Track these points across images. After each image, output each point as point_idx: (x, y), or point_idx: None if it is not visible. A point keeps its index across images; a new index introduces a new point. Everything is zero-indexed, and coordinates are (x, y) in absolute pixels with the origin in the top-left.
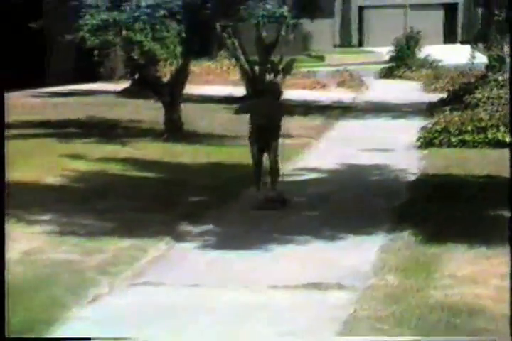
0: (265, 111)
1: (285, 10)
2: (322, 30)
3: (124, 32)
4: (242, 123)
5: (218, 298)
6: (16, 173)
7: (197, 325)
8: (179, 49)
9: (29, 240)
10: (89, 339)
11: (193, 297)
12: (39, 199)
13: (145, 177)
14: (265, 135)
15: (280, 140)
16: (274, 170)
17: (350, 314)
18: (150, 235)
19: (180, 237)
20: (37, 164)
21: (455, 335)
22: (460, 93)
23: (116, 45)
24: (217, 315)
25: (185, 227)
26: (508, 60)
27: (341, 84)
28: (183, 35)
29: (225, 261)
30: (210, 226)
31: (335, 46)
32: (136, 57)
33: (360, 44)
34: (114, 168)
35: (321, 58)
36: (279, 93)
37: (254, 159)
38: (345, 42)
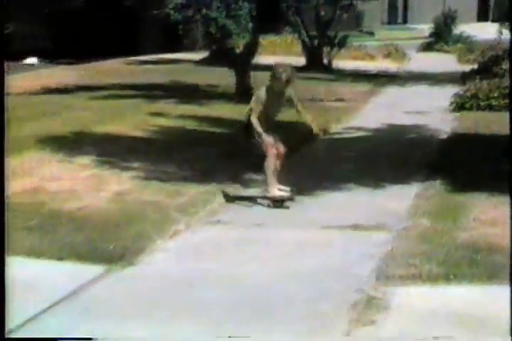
0: (274, 100)
1: None
2: (372, 9)
3: (203, 10)
4: (301, 88)
5: (278, 235)
6: (108, 127)
7: (261, 256)
8: (250, 25)
9: (120, 183)
10: (91, 339)
11: (257, 234)
12: (128, 149)
13: (218, 132)
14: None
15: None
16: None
17: (387, 251)
18: (221, 181)
19: (246, 184)
20: (126, 120)
21: (477, 269)
22: (489, 64)
23: (196, 21)
24: (277, 248)
25: (250, 175)
26: None
27: (387, 56)
28: (254, 13)
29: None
30: None
31: (383, 23)
32: (213, 31)
33: (405, 21)
34: (192, 125)
35: (371, 34)
36: (290, 82)
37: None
38: (392, 20)
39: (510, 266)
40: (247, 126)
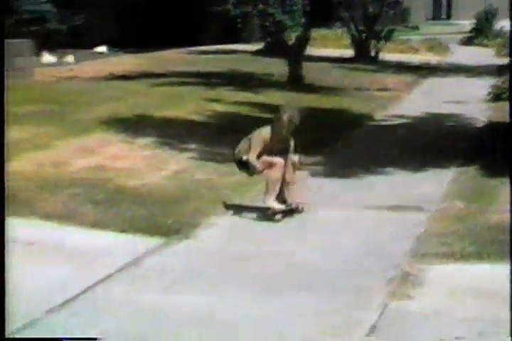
0: (276, 141)
1: None
2: (417, 6)
3: (260, 6)
4: (349, 78)
5: (322, 214)
6: (168, 111)
7: (305, 234)
8: (303, 20)
9: (178, 163)
10: (95, 339)
11: (304, 212)
12: (186, 132)
13: (271, 117)
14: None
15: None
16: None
17: (423, 230)
18: None
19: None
20: (185, 105)
21: (503, 249)
22: None
23: (253, 16)
24: (320, 226)
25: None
26: None
27: (430, 49)
28: (307, 9)
29: (329, 186)
30: (319, 158)
31: (427, 19)
32: (268, 25)
33: (449, 17)
34: (246, 110)
35: (415, 29)
36: (292, 123)
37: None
38: (436, 16)
39: (509, 246)
40: (243, 162)
